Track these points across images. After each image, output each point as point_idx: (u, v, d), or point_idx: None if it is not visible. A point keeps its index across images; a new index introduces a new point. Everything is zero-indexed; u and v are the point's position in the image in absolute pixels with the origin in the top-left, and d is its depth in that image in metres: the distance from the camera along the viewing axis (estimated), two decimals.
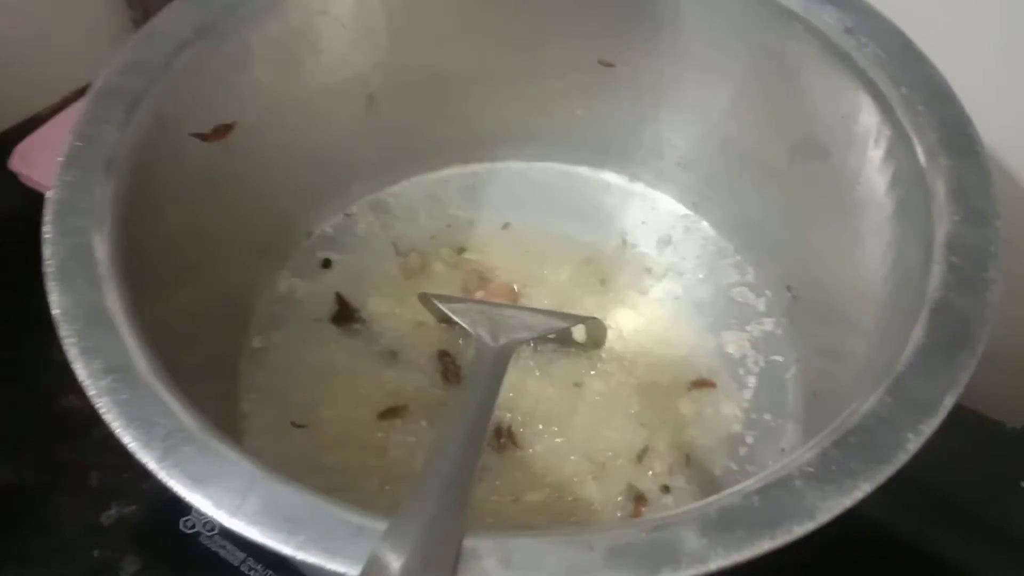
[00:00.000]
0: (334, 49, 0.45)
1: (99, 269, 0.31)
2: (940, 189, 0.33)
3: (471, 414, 0.32)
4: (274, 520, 0.25)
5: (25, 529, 0.53)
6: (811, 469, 0.25)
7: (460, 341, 0.48)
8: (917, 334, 0.29)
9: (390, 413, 0.45)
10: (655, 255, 0.52)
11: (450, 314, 0.44)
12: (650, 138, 0.52)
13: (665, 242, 0.52)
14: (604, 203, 0.54)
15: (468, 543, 0.25)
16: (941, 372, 0.28)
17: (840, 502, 0.25)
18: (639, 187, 0.54)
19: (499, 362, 0.38)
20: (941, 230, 0.32)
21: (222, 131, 0.42)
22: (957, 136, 0.34)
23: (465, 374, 0.46)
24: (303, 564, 0.24)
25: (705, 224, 0.52)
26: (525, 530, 0.27)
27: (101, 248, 0.32)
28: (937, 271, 0.31)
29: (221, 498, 0.25)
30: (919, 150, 0.35)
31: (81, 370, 0.28)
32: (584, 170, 0.55)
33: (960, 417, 0.50)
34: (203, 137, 0.41)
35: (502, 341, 0.40)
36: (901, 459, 0.26)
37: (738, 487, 0.25)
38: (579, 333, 0.47)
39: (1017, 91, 0.42)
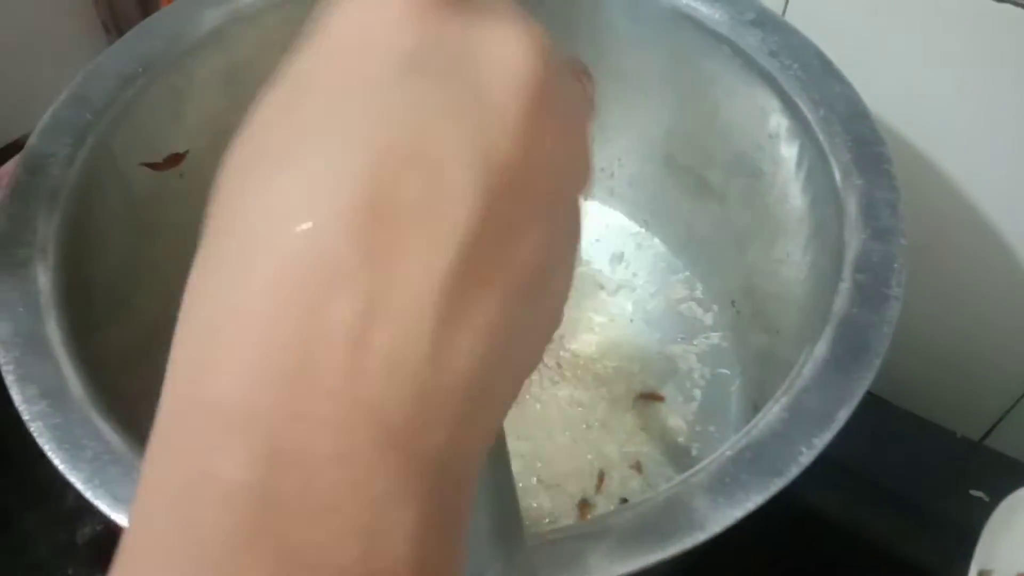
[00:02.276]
0: None
1: (40, 299, 0.32)
2: (852, 207, 0.34)
3: None
4: None
5: (0, 546, 0.55)
6: (706, 483, 0.27)
7: None
8: (821, 349, 0.30)
9: None
10: (608, 272, 0.53)
11: None
12: (599, 157, 0.53)
13: (618, 259, 0.53)
14: None
15: None
16: (838, 387, 0.29)
17: (731, 514, 0.26)
18: (593, 205, 0.55)
19: None
20: (851, 247, 0.33)
21: (174, 160, 0.43)
22: (870, 155, 0.35)
23: None
24: None
25: (656, 241, 0.53)
26: None
27: (43, 278, 0.33)
28: (844, 288, 0.32)
29: None
30: (835, 170, 0.36)
31: (17, 395, 0.29)
32: None
33: (917, 426, 0.52)
34: (154, 166, 0.42)
35: None
36: (793, 472, 0.27)
37: (638, 501, 0.27)
38: None
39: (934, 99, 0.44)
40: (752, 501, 0.26)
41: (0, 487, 0.57)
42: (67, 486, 0.58)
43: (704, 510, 0.26)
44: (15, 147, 0.68)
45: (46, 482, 0.57)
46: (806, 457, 0.27)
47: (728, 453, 0.27)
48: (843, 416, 0.28)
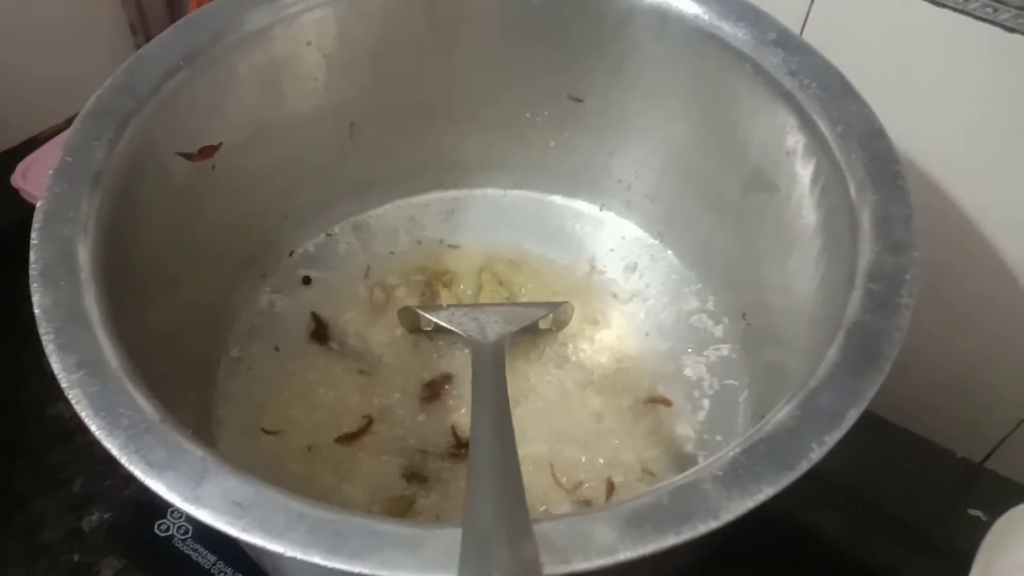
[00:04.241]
0: (318, 77, 0.48)
1: (80, 274, 0.34)
2: (866, 221, 0.35)
3: (492, 407, 0.34)
4: (223, 504, 0.27)
5: (9, 530, 0.55)
6: (719, 473, 0.28)
7: (435, 355, 0.50)
8: (832, 352, 0.31)
9: (356, 427, 0.47)
10: (621, 281, 0.54)
11: (437, 321, 0.47)
12: (618, 170, 0.54)
13: (631, 269, 0.55)
14: (575, 230, 0.57)
15: None
16: (849, 388, 0.30)
17: (743, 503, 0.27)
18: (609, 216, 0.57)
19: (497, 355, 0.40)
20: (864, 259, 0.34)
21: (208, 151, 0.45)
22: (885, 172, 0.37)
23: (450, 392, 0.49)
24: (251, 548, 0.27)
25: (670, 253, 0.55)
26: None
27: (84, 255, 0.34)
28: (856, 296, 0.33)
29: (176, 483, 0.27)
30: (851, 185, 0.37)
31: (56, 363, 0.30)
32: (557, 198, 0.58)
33: (918, 446, 0.53)
34: (189, 157, 0.44)
35: (492, 337, 0.42)
36: (804, 466, 0.28)
37: (651, 488, 0.28)
38: (544, 320, 0.50)
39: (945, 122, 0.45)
40: (764, 492, 0.27)
41: (14, 470, 0.58)
42: (76, 473, 0.59)
43: (718, 499, 0.27)
44: (38, 140, 0.70)
45: (56, 469, 0.58)
46: (817, 453, 0.28)
47: (742, 447, 0.28)
48: (853, 415, 0.29)
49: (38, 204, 0.35)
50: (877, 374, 0.30)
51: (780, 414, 0.29)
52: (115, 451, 0.28)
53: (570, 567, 0.25)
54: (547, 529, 0.27)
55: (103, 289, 0.34)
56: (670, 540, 0.26)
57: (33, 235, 0.34)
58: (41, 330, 0.31)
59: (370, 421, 0.47)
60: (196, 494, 0.27)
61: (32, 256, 0.34)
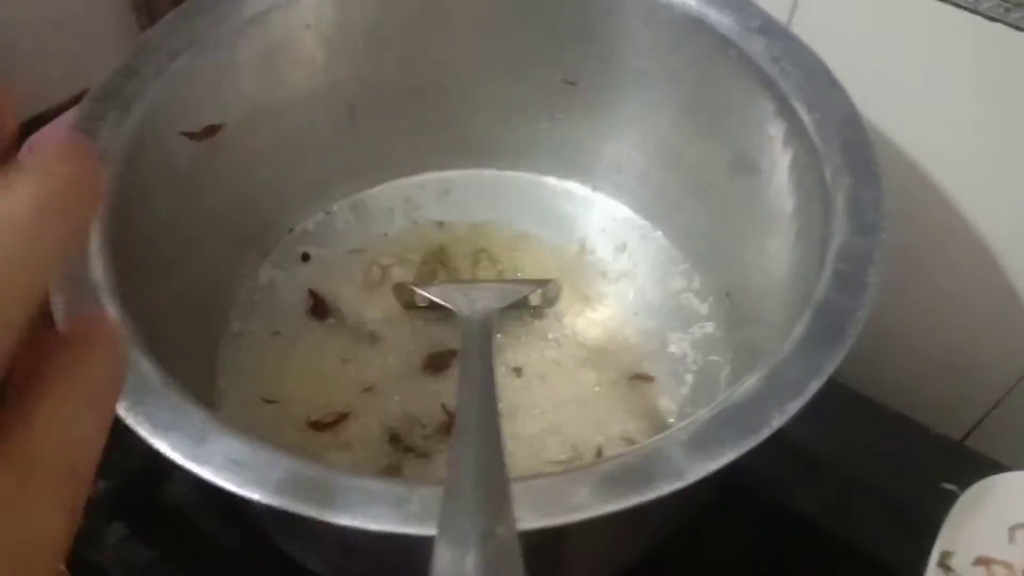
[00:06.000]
0: (316, 60, 0.50)
1: (89, 247, 0.35)
2: (839, 204, 0.37)
3: (478, 380, 0.36)
4: (224, 462, 0.29)
5: None
6: (686, 438, 0.29)
7: (430, 331, 0.52)
8: (799, 329, 0.33)
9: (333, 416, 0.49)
10: (611, 261, 0.56)
11: (428, 295, 0.48)
12: (610, 152, 0.56)
13: (621, 249, 0.56)
14: (567, 211, 0.58)
15: None
16: (812, 361, 0.31)
17: (706, 466, 0.29)
18: (600, 197, 0.58)
19: (485, 329, 0.42)
20: (835, 240, 0.36)
21: (210, 131, 0.46)
22: (859, 157, 0.38)
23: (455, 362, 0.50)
24: (254, 510, 0.28)
25: (659, 234, 0.56)
26: None
27: (92, 230, 0.36)
28: (825, 276, 0.34)
29: (179, 443, 0.29)
30: (826, 170, 0.38)
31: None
32: (550, 180, 0.59)
33: (897, 423, 0.54)
34: (192, 136, 0.45)
35: (481, 311, 0.44)
36: (765, 433, 0.29)
37: (621, 452, 0.29)
38: (534, 297, 0.52)
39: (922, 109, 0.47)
40: (726, 456, 0.29)
41: None
42: None
43: (683, 461, 0.29)
44: (44, 117, 0.72)
45: None
46: (778, 421, 0.30)
47: (709, 414, 0.30)
48: (814, 387, 0.30)
49: None
50: (839, 349, 0.32)
51: (746, 384, 0.31)
52: (121, 412, 0.30)
53: (544, 522, 0.27)
54: (529, 486, 0.28)
55: (111, 263, 0.36)
56: (638, 498, 0.28)
57: None
58: (52, 299, 0.33)
59: (345, 415, 0.48)
60: (198, 453, 0.29)
61: None
